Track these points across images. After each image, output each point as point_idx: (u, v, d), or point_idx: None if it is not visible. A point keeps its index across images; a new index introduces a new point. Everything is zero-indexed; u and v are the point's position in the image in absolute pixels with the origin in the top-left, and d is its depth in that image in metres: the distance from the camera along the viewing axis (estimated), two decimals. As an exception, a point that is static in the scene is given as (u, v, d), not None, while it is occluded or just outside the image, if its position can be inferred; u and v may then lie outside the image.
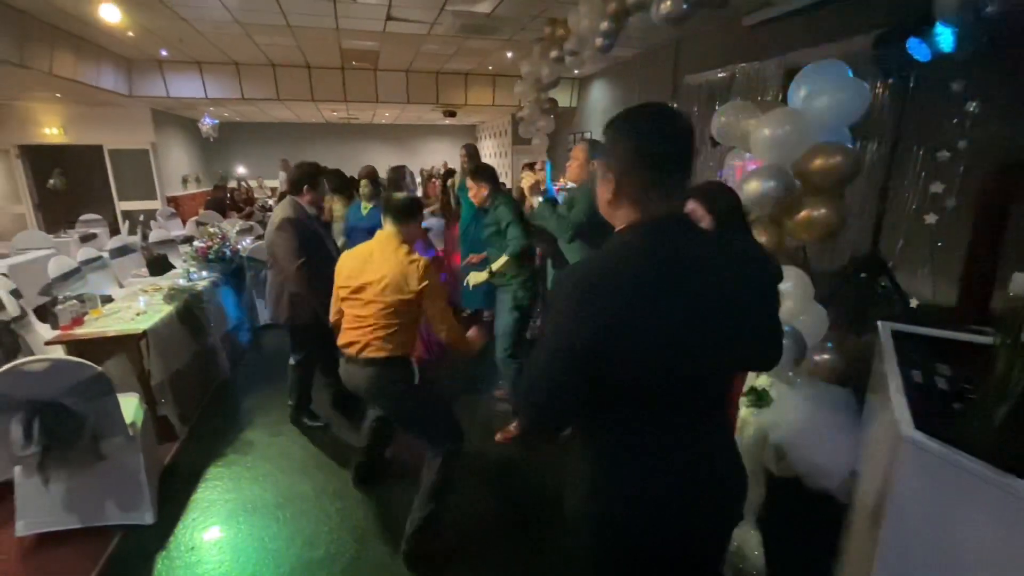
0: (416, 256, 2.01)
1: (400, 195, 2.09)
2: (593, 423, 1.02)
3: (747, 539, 1.97)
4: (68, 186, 8.71)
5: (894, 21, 2.48)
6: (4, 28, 4.99)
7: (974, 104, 2.31)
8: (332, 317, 2.19)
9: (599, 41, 4.40)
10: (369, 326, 1.98)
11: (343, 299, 2.07)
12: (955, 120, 2.42)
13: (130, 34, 6.24)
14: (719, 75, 5.77)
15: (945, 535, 1.11)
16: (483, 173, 2.97)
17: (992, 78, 2.29)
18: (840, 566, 1.92)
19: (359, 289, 2.00)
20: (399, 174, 4.00)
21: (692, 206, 1.51)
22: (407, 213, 2.07)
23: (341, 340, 2.09)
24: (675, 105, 5.63)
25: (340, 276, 2.08)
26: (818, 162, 2.08)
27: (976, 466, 0.98)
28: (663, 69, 6.92)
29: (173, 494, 2.52)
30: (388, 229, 2.07)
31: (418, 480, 2.13)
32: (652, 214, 0.94)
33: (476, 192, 2.95)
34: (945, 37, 2.17)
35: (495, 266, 2.90)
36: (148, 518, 2.31)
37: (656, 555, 1.02)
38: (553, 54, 5.28)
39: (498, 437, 3.01)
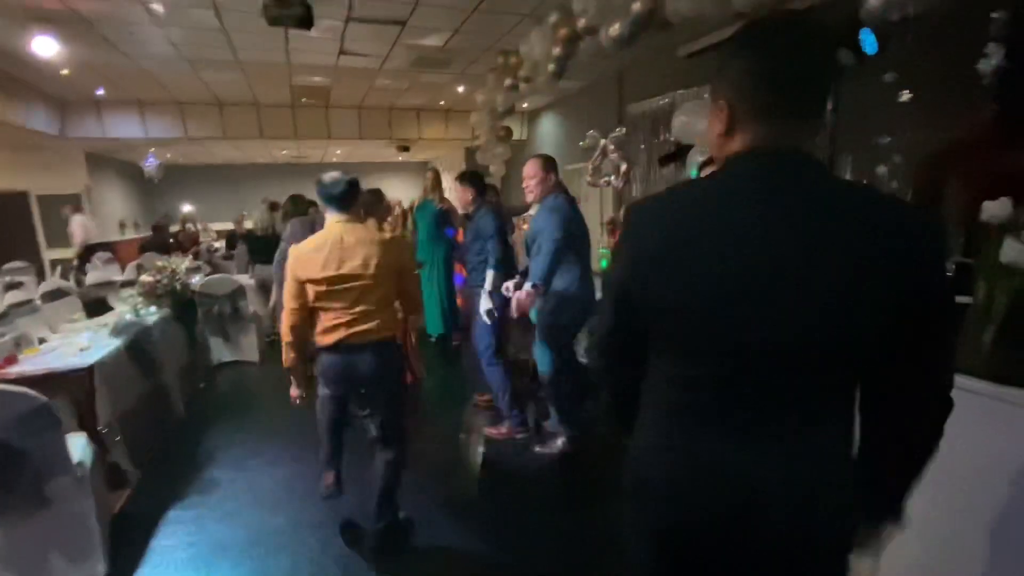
0: (393, 232, 2.02)
1: (333, 180, 2.01)
2: (649, 377, 0.90)
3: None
4: (-10, 232, 8.04)
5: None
6: (-79, 64, 4.67)
7: (906, 94, 2.57)
8: (290, 320, 2.00)
9: (551, 67, 4.60)
10: (364, 311, 1.94)
11: (319, 294, 1.95)
12: (889, 109, 2.69)
13: (64, 72, 5.98)
14: (661, 102, 6.15)
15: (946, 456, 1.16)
16: (469, 177, 3.06)
17: (918, 71, 2.59)
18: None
19: (343, 279, 1.92)
20: (377, 196, 3.94)
21: None
22: (351, 196, 2.04)
23: (330, 336, 1.97)
24: (623, 131, 5.91)
25: (306, 271, 1.94)
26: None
27: (974, 383, 1.03)
28: (608, 99, 7.30)
29: (128, 543, 2.26)
30: (339, 216, 2.01)
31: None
32: (756, 146, 0.77)
33: (461, 195, 3.02)
34: (870, 41, 2.41)
35: (488, 286, 2.87)
36: (100, 569, 2.04)
37: (666, 552, 0.88)
38: (507, 82, 5.46)
39: (491, 432, 3.06)
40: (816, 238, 0.72)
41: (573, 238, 2.59)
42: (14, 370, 2.54)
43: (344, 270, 1.92)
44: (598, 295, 2.83)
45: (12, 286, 5.93)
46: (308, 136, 8.98)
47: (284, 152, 11.34)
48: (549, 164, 2.69)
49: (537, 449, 2.93)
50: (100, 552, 2.06)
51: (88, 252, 7.68)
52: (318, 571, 2.07)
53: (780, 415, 0.77)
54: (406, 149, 10.57)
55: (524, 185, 2.70)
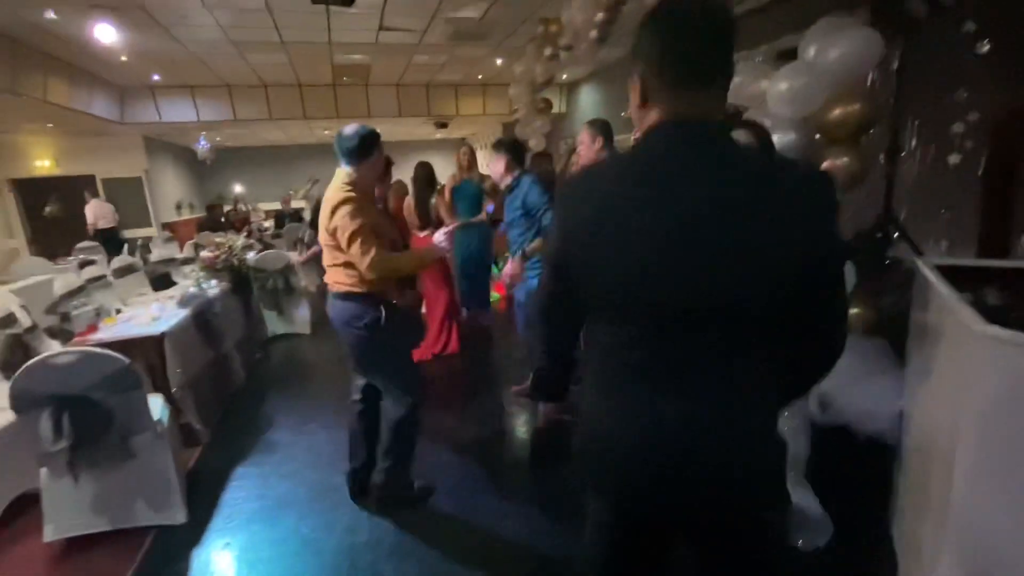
0: (346, 189, 1.98)
1: (346, 132, 2.02)
2: (590, 345, 0.96)
3: (801, 494, 1.93)
4: (66, 212, 8.63)
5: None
6: (-2, 57, 4.99)
7: (986, 44, 2.36)
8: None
9: (593, 33, 4.47)
10: (338, 264, 2.04)
11: (324, 246, 2.08)
12: (968, 61, 2.48)
13: (123, 59, 6.26)
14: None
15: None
16: (506, 145, 2.67)
17: (999, 20, 2.36)
18: (895, 507, 1.90)
19: (329, 232, 2.00)
20: (427, 170, 3.98)
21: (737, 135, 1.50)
22: (355, 150, 2.00)
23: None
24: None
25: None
26: (837, 112, 2.11)
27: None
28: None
29: (201, 496, 2.44)
30: (343, 170, 2.04)
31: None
32: (666, 118, 0.82)
33: (493, 166, 2.69)
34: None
35: (529, 248, 2.65)
36: (180, 517, 2.23)
37: (618, 505, 0.94)
38: (547, 52, 5.34)
39: (514, 389, 3.17)
40: (725, 200, 0.77)
41: None
42: (94, 337, 2.76)
43: (327, 226, 2.00)
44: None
45: (86, 263, 6.38)
46: (349, 115, 9.12)
47: (326, 132, 11.55)
48: (596, 128, 2.58)
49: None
50: (179, 502, 2.24)
51: (100, 235, 8.00)
52: (377, 524, 2.18)
53: (706, 369, 0.83)
54: (444, 126, 10.59)
55: (576, 154, 2.69)
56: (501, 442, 2.93)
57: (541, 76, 5.90)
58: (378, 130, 2.10)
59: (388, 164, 3.93)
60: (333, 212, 1.95)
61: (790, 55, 2.40)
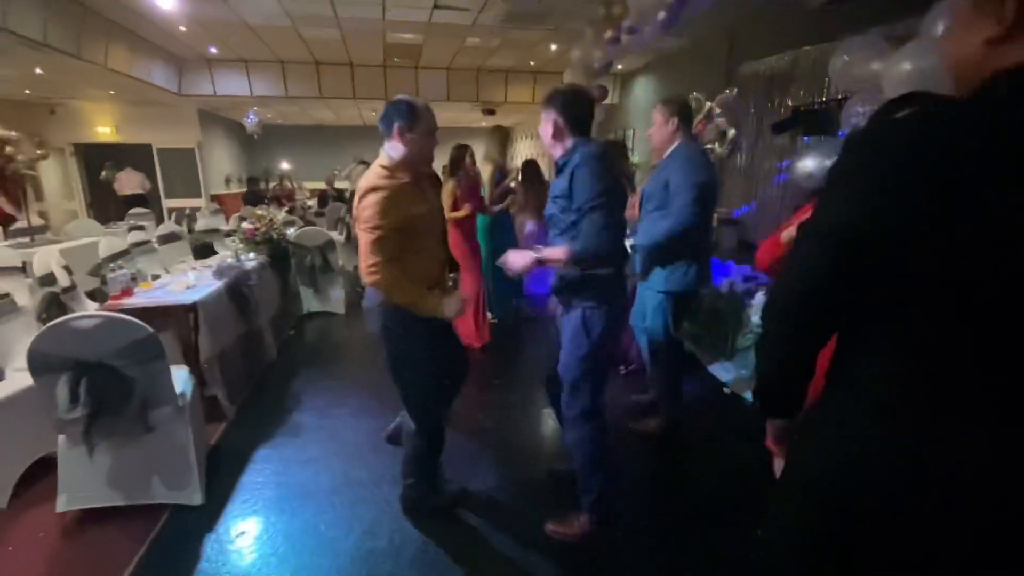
0: (382, 175, 1.74)
1: (395, 99, 1.80)
2: (861, 349, 0.73)
3: None
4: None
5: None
6: (64, 20, 5.07)
7: None
8: None
9: (662, 14, 4.15)
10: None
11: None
12: None
13: (182, 28, 6.32)
14: (779, 61, 5.44)
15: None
16: (556, 99, 1.73)
17: None
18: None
19: (355, 219, 1.83)
20: (462, 153, 3.79)
21: None
22: (392, 120, 1.76)
23: None
24: (734, 91, 5.31)
25: None
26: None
27: None
28: (715, 58, 6.61)
29: (221, 475, 2.33)
30: (381, 152, 1.83)
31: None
32: None
33: (544, 128, 1.78)
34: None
35: (547, 255, 1.78)
36: (197, 498, 2.12)
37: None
38: (608, 35, 5.04)
39: (634, 426, 2.71)
40: None
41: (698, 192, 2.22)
42: (128, 302, 2.69)
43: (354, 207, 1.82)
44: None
45: (135, 228, 6.51)
46: (398, 97, 9.04)
47: (374, 113, 11.55)
48: (671, 108, 2.29)
49: (631, 426, 2.71)
50: (197, 483, 2.12)
51: (128, 202, 8.18)
52: (398, 528, 2.01)
53: None
54: (492, 112, 10.38)
55: (648, 134, 2.41)
56: (541, 449, 2.71)
57: (599, 61, 5.61)
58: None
59: (464, 151, 3.75)
60: (361, 199, 1.73)
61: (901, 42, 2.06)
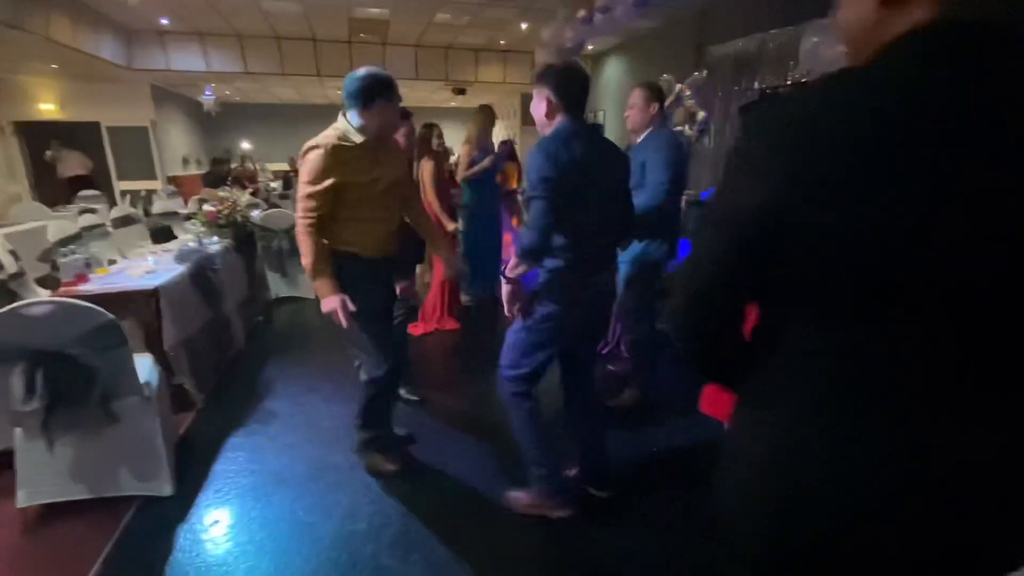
0: (320, 136, 1.84)
1: (358, 73, 1.84)
2: (788, 348, 0.69)
3: None
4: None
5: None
6: (-4, -16, 4.69)
7: None
8: None
9: (634, -6, 4.13)
10: None
11: None
12: None
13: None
14: (746, 45, 5.51)
15: None
16: (550, 75, 1.65)
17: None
18: None
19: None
20: (429, 132, 3.68)
21: None
22: (352, 94, 1.81)
23: None
24: (703, 74, 5.35)
25: None
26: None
27: None
28: (684, 40, 6.64)
29: (192, 465, 2.27)
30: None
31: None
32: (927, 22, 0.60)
33: (536, 107, 1.67)
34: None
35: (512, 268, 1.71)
36: (166, 489, 2.06)
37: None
38: (580, 13, 5.00)
39: (611, 403, 2.73)
40: None
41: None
42: (84, 288, 2.55)
43: None
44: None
45: (85, 211, 6.17)
46: (364, 75, 8.77)
47: (339, 92, 11.22)
48: (652, 92, 2.39)
49: (608, 404, 2.76)
50: (166, 472, 2.06)
51: (72, 184, 7.85)
52: (378, 511, 2.00)
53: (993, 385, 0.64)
54: (462, 92, 10.19)
55: (625, 115, 2.45)
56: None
57: (571, 40, 5.57)
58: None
59: (405, 116, 3.62)
60: (303, 156, 1.81)
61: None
